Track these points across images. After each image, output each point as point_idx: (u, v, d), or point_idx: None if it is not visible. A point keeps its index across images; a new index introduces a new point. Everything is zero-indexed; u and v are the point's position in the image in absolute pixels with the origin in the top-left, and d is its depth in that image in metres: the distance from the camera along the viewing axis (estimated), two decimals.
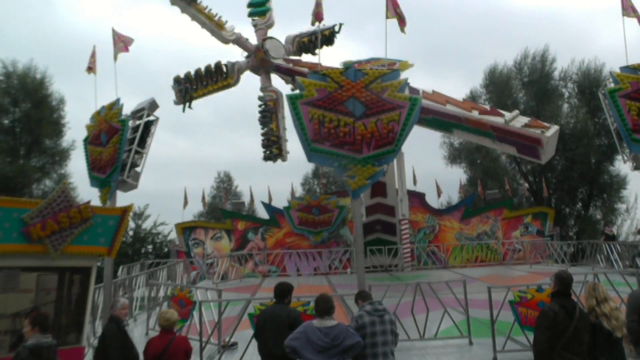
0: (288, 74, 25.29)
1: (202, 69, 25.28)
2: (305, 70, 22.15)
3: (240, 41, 26.54)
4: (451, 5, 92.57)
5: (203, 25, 25.87)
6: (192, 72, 25.17)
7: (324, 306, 6.10)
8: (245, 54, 26.56)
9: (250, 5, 27.07)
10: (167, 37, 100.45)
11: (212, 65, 25.41)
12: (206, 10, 25.63)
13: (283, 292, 7.14)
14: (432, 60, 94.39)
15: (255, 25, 27.24)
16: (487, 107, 22.91)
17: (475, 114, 20.27)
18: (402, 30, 14.24)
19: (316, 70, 13.78)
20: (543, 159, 19.32)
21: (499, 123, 19.51)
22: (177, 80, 24.93)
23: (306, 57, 26.64)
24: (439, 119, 21.03)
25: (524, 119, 19.87)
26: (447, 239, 27.86)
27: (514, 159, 40.33)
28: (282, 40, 26.87)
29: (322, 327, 5.92)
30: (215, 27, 25.85)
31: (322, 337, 5.82)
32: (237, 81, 26.04)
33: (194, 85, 25.07)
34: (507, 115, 19.90)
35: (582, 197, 38.66)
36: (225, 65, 25.55)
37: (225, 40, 26.28)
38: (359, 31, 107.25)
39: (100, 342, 6.70)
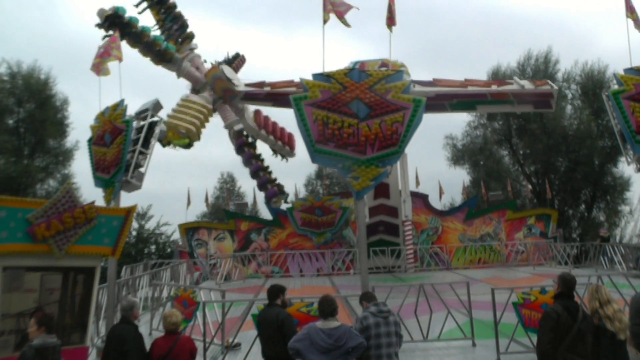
0: (267, 99, 24.89)
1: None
2: (293, 89, 21.95)
3: (190, 74, 25.01)
4: (454, 6, 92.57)
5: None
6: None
7: (328, 308, 6.10)
8: (190, 86, 25.18)
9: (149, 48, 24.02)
10: None
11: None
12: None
13: (273, 293, 7.15)
14: (434, 60, 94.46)
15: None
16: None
17: (495, 87, 24.74)
18: (389, 28, 14.20)
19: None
20: (554, 107, 25.29)
21: (518, 90, 24.35)
22: (278, 192, 25.64)
23: None
24: (463, 100, 24.69)
25: (526, 82, 25.29)
26: (450, 240, 27.86)
27: (517, 160, 40.30)
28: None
29: (325, 328, 5.92)
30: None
31: (325, 339, 5.82)
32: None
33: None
34: (517, 82, 24.92)
35: (585, 198, 38.60)
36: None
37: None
38: (361, 31, 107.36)
39: (116, 345, 6.51)
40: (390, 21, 14.06)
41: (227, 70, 24.73)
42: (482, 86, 25.12)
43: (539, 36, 79.46)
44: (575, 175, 36.59)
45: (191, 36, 25.55)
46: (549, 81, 25.68)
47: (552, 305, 6.00)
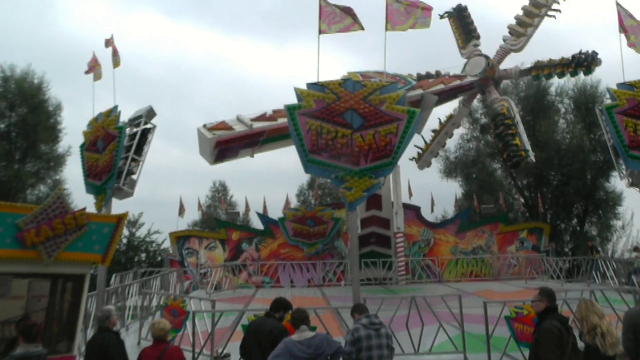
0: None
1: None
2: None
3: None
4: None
5: None
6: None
7: (299, 316, 6.19)
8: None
9: None
10: (163, 44, 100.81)
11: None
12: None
13: (277, 306, 7.06)
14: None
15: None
16: None
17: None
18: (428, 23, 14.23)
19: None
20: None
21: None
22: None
23: None
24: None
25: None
26: (442, 253, 27.85)
27: (510, 173, 40.40)
28: None
29: (302, 339, 5.93)
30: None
31: (304, 349, 5.83)
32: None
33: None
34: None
35: (577, 213, 38.66)
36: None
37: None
38: (356, 43, 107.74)
39: (100, 352, 6.45)
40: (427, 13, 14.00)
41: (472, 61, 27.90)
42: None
43: (531, 49, 79.78)
44: (568, 189, 36.64)
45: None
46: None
47: (550, 321, 5.82)
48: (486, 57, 27.22)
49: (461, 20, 29.47)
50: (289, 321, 6.70)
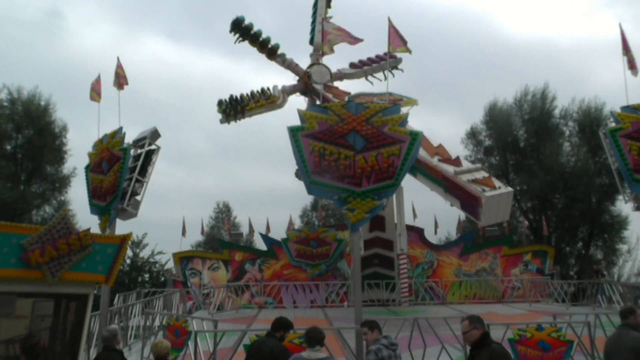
0: (323, 99, 25.64)
1: (246, 93, 26.60)
2: (330, 96, 23.96)
3: (291, 66, 27.96)
4: (450, 41, 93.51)
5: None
6: (236, 95, 26.35)
7: (316, 335, 6.11)
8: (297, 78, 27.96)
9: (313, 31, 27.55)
10: (167, 66, 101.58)
11: (256, 91, 26.83)
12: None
13: (277, 325, 7.06)
14: (431, 95, 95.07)
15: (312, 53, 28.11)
16: (453, 156, 19.76)
17: (435, 159, 18.98)
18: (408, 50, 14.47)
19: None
20: (482, 219, 17.76)
21: (448, 173, 18.24)
22: (221, 103, 26.19)
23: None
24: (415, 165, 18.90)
25: (480, 174, 18.27)
26: (445, 275, 27.74)
27: (514, 196, 40.32)
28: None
29: (313, 359, 5.90)
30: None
31: None
32: (283, 102, 27.23)
33: (241, 103, 26.23)
34: (464, 166, 18.63)
35: (582, 236, 38.45)
36: (269, 89, 26.88)
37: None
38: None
39: None
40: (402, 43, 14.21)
41: (316, 69, 27.16)
42: (428, 152, 19.27)
43: (535, 71, 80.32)
44: (573, 212, 36.52)
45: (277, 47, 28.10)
46: (501, 187, 17.99)
47: (497, 345, 5.48)
48: (328, 69, 27.14)
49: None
50: (304, 338, 6.67)
